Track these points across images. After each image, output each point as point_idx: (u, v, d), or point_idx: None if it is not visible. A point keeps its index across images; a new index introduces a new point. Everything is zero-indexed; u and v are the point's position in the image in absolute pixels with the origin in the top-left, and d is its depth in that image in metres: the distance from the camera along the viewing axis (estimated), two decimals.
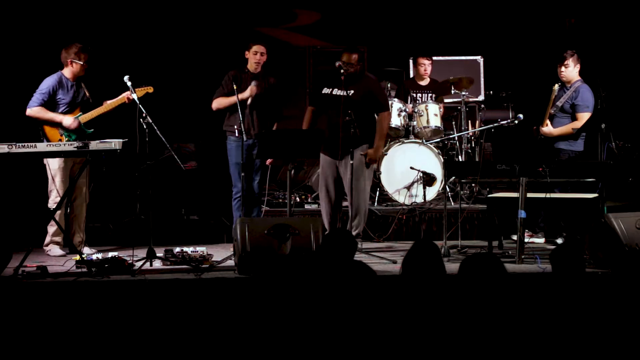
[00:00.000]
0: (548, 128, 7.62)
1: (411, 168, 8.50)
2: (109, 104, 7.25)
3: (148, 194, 6.87)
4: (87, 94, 7.40)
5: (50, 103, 7.20)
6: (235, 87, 7.25)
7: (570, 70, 7.70)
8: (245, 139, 7.14)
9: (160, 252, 6.75)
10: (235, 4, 10.02)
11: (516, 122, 8.07)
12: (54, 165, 7.16)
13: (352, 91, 7.24)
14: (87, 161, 6.83)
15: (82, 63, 7.24)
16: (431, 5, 10.26)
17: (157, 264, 6.67)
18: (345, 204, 7.56)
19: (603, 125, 7.99)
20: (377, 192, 8.75)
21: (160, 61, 9.44)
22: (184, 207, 8.76)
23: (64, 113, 7.23)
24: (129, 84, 7.00)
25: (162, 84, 8.79)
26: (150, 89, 7.22)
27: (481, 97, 9.87)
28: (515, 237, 7.07)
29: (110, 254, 6.66)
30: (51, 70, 7.33)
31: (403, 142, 8.68)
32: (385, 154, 8.59)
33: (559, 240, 7.71)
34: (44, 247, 7.28)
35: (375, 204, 8.71)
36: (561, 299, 3.83)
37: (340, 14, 10.33)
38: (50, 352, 4.97)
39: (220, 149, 7.63)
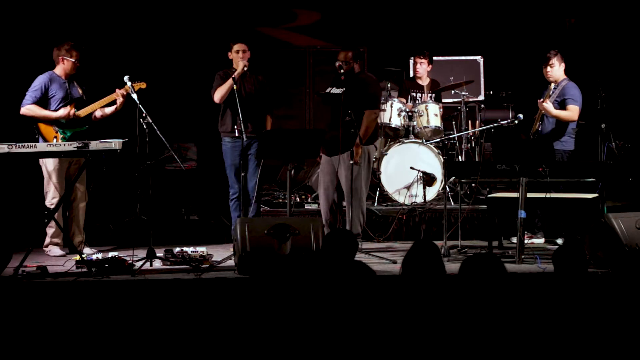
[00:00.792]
0: (548, 104, 7.61)
1: (411, 168, 8.49)
2: (102, 100, 7.25)
3: (148, 194, 6.87)
4: (80, 91, 7.40)
5: (43, 100, 7.20)
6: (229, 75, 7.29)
7: (556, 70, 7.71)
8: (245, 138, 7.13)
9: (160, 252, 6.75)
10: (235, 4, 10.02)
11: (516, 122, 8.07)
12: (49, 166, 7.16)
13: (346, 89, 7.29)
14: (87, 161, 6.83)
15: (73, 60, 7.24)
16: (431, 6, 10.26)
17: (157, 264, 6.67)
18: (344, 203, 7.56)
19: (603, 125, 8.00)
20: (377, 192, 8.75)
21: (161, 61, 9.44)
22: (184, 207, 8.76)
23: (57, 110, 7.22)
24: (128, 83, 7.00)
25: (163, 84, 8.82)
26: (143, 85, 7.21)
27: (481, 97, 9.87)
28: (515, 240, 7.07)
29: (110, 254, 6.66)
30: (47, 68, 7.33)
31: (403, 142, 8.68)
32: (385, 154, 8.60)
33: (559, 241, 7.71)
34: (44, 248, 7.27)
35: (375, 204, 8.71)
36: (561, 299, 3.84)
37: (340, 14, 10.33)
38: (50, 352, 4.97)
39: (220, 149, 7.63)
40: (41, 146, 6.64)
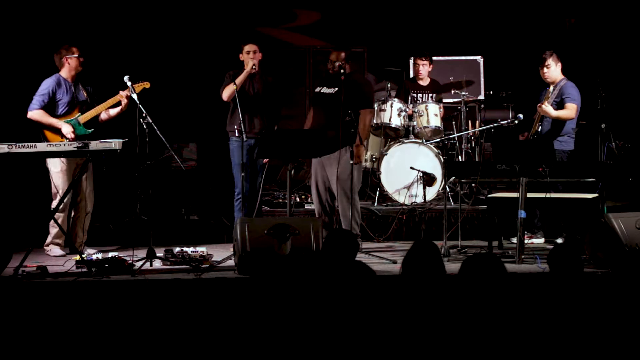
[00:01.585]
0: (547, 107, 7.62)
1: (411, 168, 8.49)
2: (106, 102, 7.26)
3: (148, 194, 6.87)
4: (86, 94, 7.41)
5: (50, 104, 7.20)
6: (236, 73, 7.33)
7: (553, 70, 7.71)
8: (245, 138, 7.14)
9: (160, 252, 6.75)
10: (235, 4, 10.02)
11: (516, 122, 8.06)
12: (56, 168, 7.16)
13: (337, 89, 7.32)
14: (87, 161, 6.83)
15: (77, 56, 7.24)
16: (431, 6, 10.26)
17: (157, 264, 6.67)
18: (336, 203, 7.58)
19: (603, 125, 8.00)
20: (377, 192, 8.75)
21: (161, 61, 9.44)
22: (184, 207, 8.76)
23: (64, 113, 7.24)
24: (129, 84, 7.01)
25: (163, 84, 8.79)
26: (147, 85, 7.23)
27: (481, 97, 9.86)
28: (515, 240, 7.07)
29: (110, 254, 6.66)
30: (51, 68, 7.34)
31: (403, 142, 8.68)
32: (385, 154, 8.60)
33: (559, 241, 7.71)
34: (45, 247, 7.27)
35: (375, 204, 8.71)
36: (561, 299, 3.84)
37: (340, 14, 10.32)
38: (50, 352, 4.97)
39: (220, 149, 7.64)
40: (41, 146, 6.63)
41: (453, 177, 8.28)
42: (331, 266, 3.95)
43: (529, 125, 7.94)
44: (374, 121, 8.55)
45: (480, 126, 9.01)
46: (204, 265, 6.55)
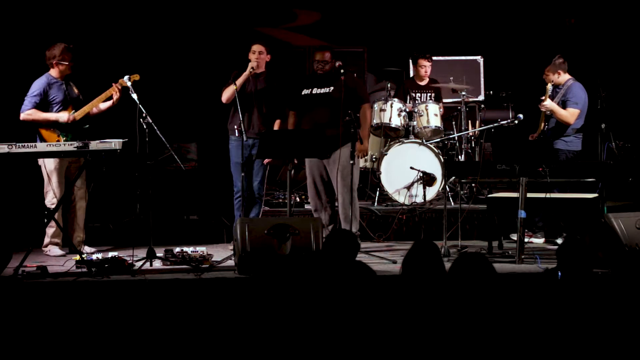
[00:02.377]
0: (548, 102, 7.64)
1: (411, 168, 8.49)
2: (100, 97, 7.25)
3: (148, 194, 6.87)
4: (77, 91, 7.41)
5: (43, 104, 7.20)
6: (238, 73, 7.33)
7: (555, 79, 7.76)
8: (245, 138, 7.14)
9: (160, 252, 6.75)
10: (235, 4, 10.02)
11: (516, 122, 8.06)
12: (49, 166, 7.15)
13: (332, 88, 7.31)
14: (87, 161, 6.83)
15: (67, 64, 7.24)
16: (431, 6, 10.26)
17: (157, 264, 6.67)
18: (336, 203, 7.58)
19: (603, 125, 8.00)
20: (377, 192, 8.75)
21: (161, 61, 9.44)
22: (184, 207, 8.76)
23: (57, 112, 7.23)
24: (129, 84, 7.00)
25: (162, 84, 8.81)
26: (137, 77, 7.19)
27: (481, 97, 9.86)
28: (514, 237, 7.07)
29: (110, 254, 6.66)
30: (44, 69, 7.33)
31: (403, 142, 8.67)
32: (385, 154, 8.60)
33: (559, 241, 7.70)
34: (43, 248, 7.27)
35: (375, 204, 8.71)
36: (560, 299, 3.83)
37: (340, 14, 10.32)
38: (50, 352, 4.97)
39: (220, 149, 7.63)
40: (41, 146, 6.64)
41: (453, 177, 8.27)
42: (331, 266, 3.95)
43: (530, 125, 7.95)
44: (374, 121, 8.56)
45: (480, 126, 9.00)
46: (204, 265, 6.55)
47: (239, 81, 7.34)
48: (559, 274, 6.57)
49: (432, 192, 8.47)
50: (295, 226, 6.32)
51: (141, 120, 6.72)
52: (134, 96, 6.86)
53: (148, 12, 9.54)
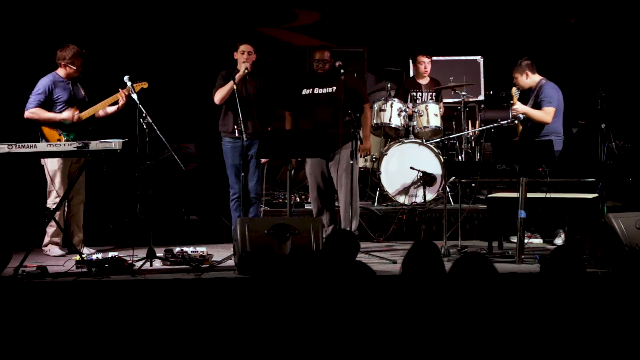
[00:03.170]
0: (519, 105, 7.59)
1: (411, 168, 8.50)
2: (105, 101, 7.27)
3: (148, 194, 6.87)
4: (83, 92, 7.42)
5: (47, 103, 7.20)
6: (230, 77, 7.30)
7: (523, 81, 7.69)
8: (245, 138, 7.13)
9: (160, 252, 6.75)
10: (235, 4, 10.02)
11: (516, 122, 8.06)
12: (52, 166, 7.16)
13: (334, 87, 7.31)
14: (87, 161, 6.83)
15: (75, 68, 7.24)
16: (431, 5, 10.26)
17: (157, 264, 6.67)
18: (337, 203, 7.58)
19: (603, 125, 7.99)
20: (377, 192, 8.75)
21: (161, 61, 9.44)
22: (184, 207, 8.76)
23: (61, 112, 7.23)
24: (128, 83, 7.01)
25: (163, 84, 8.79)
26: (145, 84, 7.23)
27: (481, 97, 9.87)
28: (514, 239, 7.06)
29: (110, 254, 6.66)
30: (50, 68, 7.33)
31: (403, 142, 8.68)
32: (385, 154, 8.60)
33: (558, 241, 7.69)
34: (43, 248, 7.27)
35: (375, 204, 8.71)
36: (560, 299, 3.83)
37: (340, 14, 10.33)
38: (50, 352, 4.96)
39: (220, 149, 7.63)
40: (41, 146, 6.63)
41: (453, 177, 8.28)
42: (331, 266, 3.95)
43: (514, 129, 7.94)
44: (374, 121, 8.57)
45: (480, 126, 9.00)
46: (204, 265, 6.55)
47: (238, 76, 7.31)
48: (537, 257, 6.60)
49: (432, 192, 8.47)
50: (295, 226, 6.32)
51: (141, 120, 6.72)
52: (134, 96, 6.86)
53: (149, 13, 9.55)
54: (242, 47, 7.43)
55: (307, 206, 8.70)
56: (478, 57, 10.14)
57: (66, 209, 7.31)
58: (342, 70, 7.29)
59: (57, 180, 7.16)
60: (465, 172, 7.50)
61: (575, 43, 9.56)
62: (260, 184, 7.57)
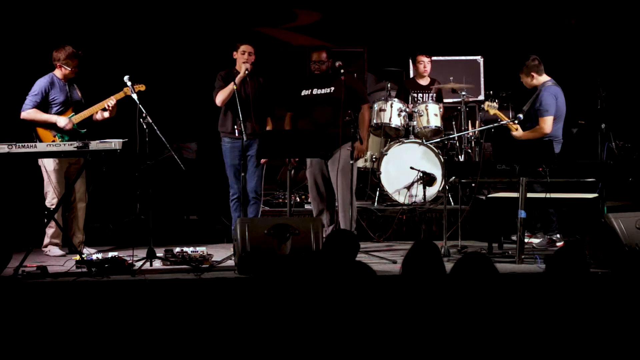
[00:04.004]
0: (518, 132, 7.58)
1: (411, 168, 8.50)
2: (100, 103, 7.25)
3: (148, 194, 6.87)
4: (80, 94, 7.41)
5: (43, 104, 7.20)
6: (230, 77, 7.30)
7: (527, 81, 7.62)
8: (245, 138, 7.13)
9: (160, 252, 6.75)
10: (235, 4, 10.02)
11: (516, 122, 8.06)
12: (49, 167, 7.15)
13: (332, 88, 7.30)
14: (86, 161, 6.83)
15: (70, 69, 7.24)
16: (431, 5, 10.26)
17: (157, 264, 6.67)
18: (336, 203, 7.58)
19: (603, 125, 7.99)
20: (377, 192, 8.75)
21: (161, 61, 9.44)
22: (184, 207, 8.76)
23: (58, 113, 7.23)
24: (128, 83, 7.00)
25: (162, 84, 8.81)
26: (143, 87, 7.22)
27: (481, 97, 9.86)
28: (514, 238, 7.06)
29: (110, 254, 6.66)
30: (47, 69, 7.33)
31: (403, 142, 8.68)
32: (385, 154, 8.60)
33: (558, 243, 7.67)
34: (43, 249, 7.27)
35: (375, 204, 8.71)
36: (560, 299, 3.83)
37: (340, 14, 10.33)
38: (50, 352, 4.96)
39: (220, 149, 7.63)
40: (41, 146, 6.64)
41: (453, 177, 8.27)
42: (331, 266, 3.95)
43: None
44: (374, 121, 8.57)
45: (480, 126, 9.00)
46: (204, 265, 6.55)
47: (237, 81, 7.31)
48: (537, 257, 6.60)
49: (432, 192, 8.47)
50: (295, 226, 6.32)
51: (141, 120, 6.72)
52: (134, 96, 6.86)
53: (148, 13, 9.54)
54: (243, 48, 7.43)
55: (307, 206, 8.70)
56: (478, 57, 10.14)
57: (68, 209, 7.30)
58: (342, 71, 7.30)
59: (54, 180, 7.15)
60: (465, 172, 7.50)
61: (575, 43, 9.56)
62: (260, 184, 7.57)
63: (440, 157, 8.54)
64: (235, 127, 7.23)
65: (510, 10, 10.14)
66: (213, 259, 6.73)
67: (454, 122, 9.27)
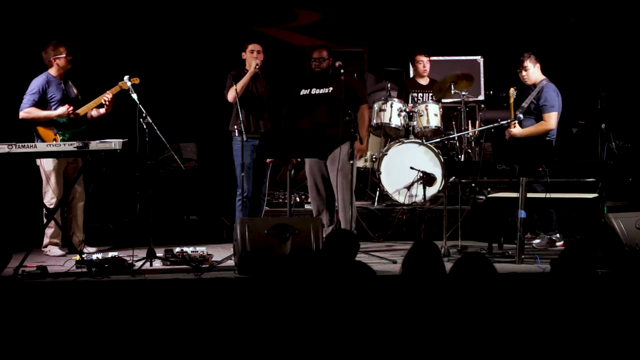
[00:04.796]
0: (517, 129, 7.57)
1: (411, 168, 8.50)
2: (97, 99, 7.25)
3: (148, 194, 6.87)
4: (76, 91, 7.42)
5: (41, 102, 7.20)
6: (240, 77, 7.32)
7: (532, 72, 7.59)
8: (245, 138, 7.13)
9: (160, 252, 6.74)
10: (235, 4, 10.03)
11: (516, 122, 8.06)
12: (48, 167, 7.15)
13: (331, 88, 7.32)
14: (86, 161, 6.83)
15: (64, 56, 7.24)
16: (431, 6, 10.26)
17: (157, 264, 6.67)
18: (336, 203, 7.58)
19: (603, 125, 7.99)
20: (377, 192, 8.75)
21: (161, 61, 9.44)
22: (184, 207, 8.76)
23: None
24: (129, 84, 7.00)
25: (162, 84, 8.81)
26: (137, 80, 7.20)
27: (481, 97, 9.86)
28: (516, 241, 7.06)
29: (110, 254, 6.66)
30: (43, 68, 7.33)
31: (403, 142, 8.68)
32: (385, 154, 8.60)
33: (558, 243, 7.67)
34: (42, 249, 7.27)
35: (375, 204, 8.71)
36: (560, 299, 3.84)
37: (340, 14, 10.33)
38: (50, 352, 4.96)
39: (220, 149, 7.64)
40: (41, 146, 6.64)
41: (453, 177, 8.27)
42: (331, 266, 3.95)
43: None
44: (374, 121, 8.56)
45: (480, 126, 9.00)
46: (204, 265, 6.55)
47: (244, 81, 7.33)
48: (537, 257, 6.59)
49: (432, 192, 8.47)
50: (295, 226, 6.32)
51: (141, 120, 6.72)
52: (134, 96, 6.85)
53: (148, 12, 9.54)
54: (252, 47, 7.46)
55: (307, 206, 8.70)
56: (478, 57, 10.13)
57: (67, 209, 7.30)
58: (342, 71, 7.29)
59: (52, 180, 7.15)
60: (465, 172, 7.49)
61: (575, 43, 9.55)
62: (266, 184, 7.60)
63: (440, 157, 8.54)
64: (236, 127, 7.23)
65: (510, 10, 10.14)
66: (213, 259, 6.73)
67: (454, 122, 9.27)
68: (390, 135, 8.84)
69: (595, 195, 7.13)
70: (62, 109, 7.19)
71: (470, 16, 10.19)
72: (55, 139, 7.12)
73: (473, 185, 8.39)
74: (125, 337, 5.12)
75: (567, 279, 3.89)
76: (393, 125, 8.67)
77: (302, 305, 3.63)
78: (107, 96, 7.19)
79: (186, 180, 8.90)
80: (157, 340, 5.08)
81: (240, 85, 7.32)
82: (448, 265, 3.75)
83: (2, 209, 7.76)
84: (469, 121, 9.18)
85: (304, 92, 7.49)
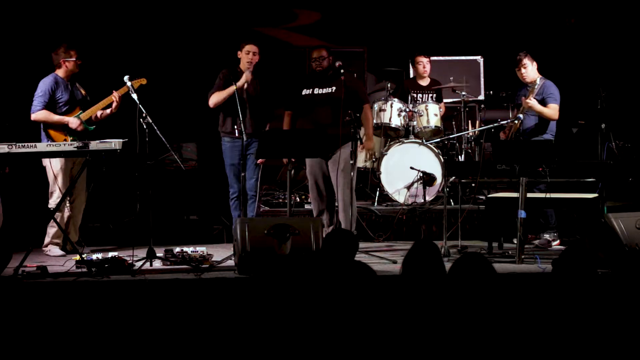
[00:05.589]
0: (532, 101, 7.56)
1: (411, 168, 8.50)
2: (104, 100, 7.27)
3: (148, 194, 6.87)
4: (84, 92, 7.43)
5: (50, 104, 7.21)
6: (231, 77, 7.31)
7: (530, 70, 7.63)
8: (245, 138, 7.13)
9: (160, 252, 6.74)
10: (235, 4, 10.03)
11: (516, 122, 8.06)
12: (56, 167, 7.16)
13: (334, 88, 7.31)
14: (87, 161, 6.83)
15: (74, 60, 7.25)
16: (431, 6, 10.26)
17: (157, 264, 6.67)
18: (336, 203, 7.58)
19: (603, 125, 7.99)
20: (377, 192, 8.75)
21: (161, 61, 9.44)
22: (184, 207, 8.76)
23: (64, 113, 7.24)
24: (129, 84, 7.00)
25: (162, 84, 8.80)
26: (144, 81, 7.22)
27: (481, 97, 9.86)
28: (516, 241, 7.06)
29: (110, 254, 6.65)
30: (48, 67, 7.33)
31: (403, 142, 8.68)
32: (385, 154, 8.60)
33: (546, 235, 7.66)
34: (43, 248, 7.27)
35: (375, 204, 8.71)
36: (560, 299, 3.84)
37: (340, 14, 10.33)
38: (50, 352, 4.97)
39: (220, 149, 7.63)
40: (41, 146, 6.63)
41: (453, 177, 8.27)
42: (331, 266, 3.95)
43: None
44: (374, 121, 8.56)
45: (480, 126, 9.00)
46: (204, 265, 6.54)
47: (240, 83, 7.32)
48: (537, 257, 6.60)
49: (432, 192, 8.47)
50: (295, 226, 6.32)
51: (141, 120, 6.72)
52: (134, 96, 6.85)
53: (149, 13, 9.54)
54: (248, 47, 7.44)
55: (307, 206, 8.70)
56: (478, 57, 10.14)
57: (67, 209, 7.30)
58: (342, 71, 7.29)
59: (60, 180, 7.16)
60: (465, 172, 7.50)
61: (575, 43, 9.55)
62: (257, 183, 7.57)
63: (440, 157, 8.54)
64: (235, 127, 7.24)
65: (510, 10, 10.14)
66: (213, 259, 6.73)
67: (454, 122, 9.27)
68: (390, 135, 8.84)
69: (595, 195, 7.13)
70: (74, 122, 7.19)
71: (470, 16, 10.19)
72: (65, 139, 7.13)
73: (473, 185, 8.39)
74: (126, 337, 5.12)
75: (567, 279, 3.89)
76: (393, 125, 8.67)
77: (302, 305, 3.63)
78: (117, 95, 7.19)
79: (186, 180, 8.90)
80: (157, 340, 5.08)
81: (221, 97, 7.31)
82: (448, 265, 3.75)
83: (2, 209, 7.75)
84: (469, 121, 9.19)
85: (306, 92, 7.48)
